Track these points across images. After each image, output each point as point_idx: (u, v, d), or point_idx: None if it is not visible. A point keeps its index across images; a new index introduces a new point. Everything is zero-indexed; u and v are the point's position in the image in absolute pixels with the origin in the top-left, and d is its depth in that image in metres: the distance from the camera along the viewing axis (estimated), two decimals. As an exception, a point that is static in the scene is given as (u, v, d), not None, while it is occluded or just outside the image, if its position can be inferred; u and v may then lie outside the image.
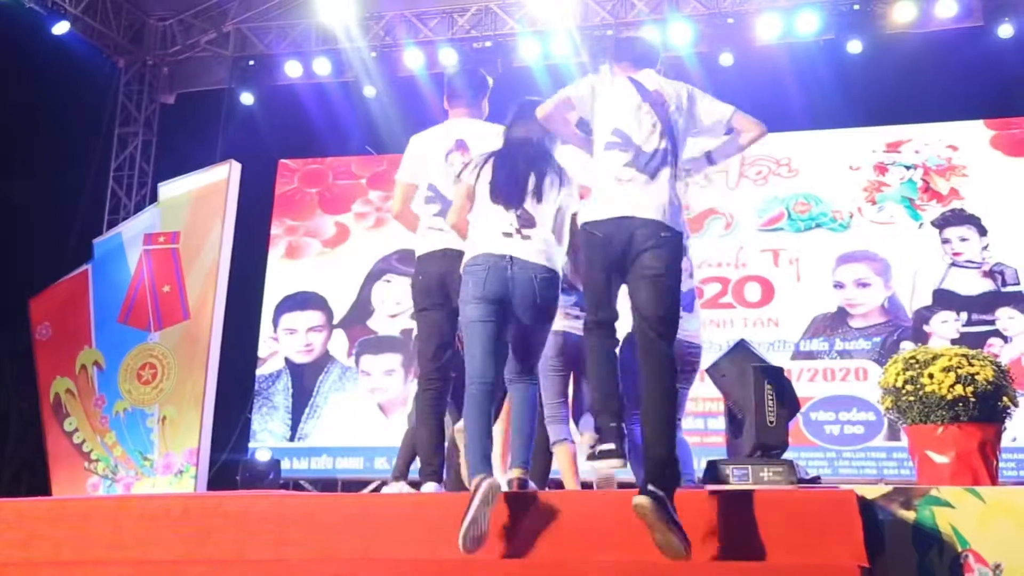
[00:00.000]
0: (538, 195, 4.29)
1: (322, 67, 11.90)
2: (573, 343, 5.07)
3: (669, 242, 3.95)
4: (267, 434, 11.21)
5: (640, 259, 3.93)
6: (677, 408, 4.12)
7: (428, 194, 4.77)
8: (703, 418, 9.61)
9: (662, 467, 3.63)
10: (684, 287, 4.24)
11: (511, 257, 4.18)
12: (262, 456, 10.39)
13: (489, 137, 4.67)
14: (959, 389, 4.30)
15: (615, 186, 4.00)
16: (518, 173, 4.31)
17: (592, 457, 3.91)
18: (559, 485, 5.35)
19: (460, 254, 4.38)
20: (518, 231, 4.22)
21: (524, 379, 4.34)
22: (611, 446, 3.83)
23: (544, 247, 4.26)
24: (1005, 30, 10.33)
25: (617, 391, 3.96)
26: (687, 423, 9.52)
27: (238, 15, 12.23)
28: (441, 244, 4.62)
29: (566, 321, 5.07)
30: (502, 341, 4.24)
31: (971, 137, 10.59)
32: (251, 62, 12.15)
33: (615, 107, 4.14)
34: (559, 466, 5.16)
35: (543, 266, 4.22)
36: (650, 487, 3.54)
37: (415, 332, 4.85)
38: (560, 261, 4.39)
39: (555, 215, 4.36)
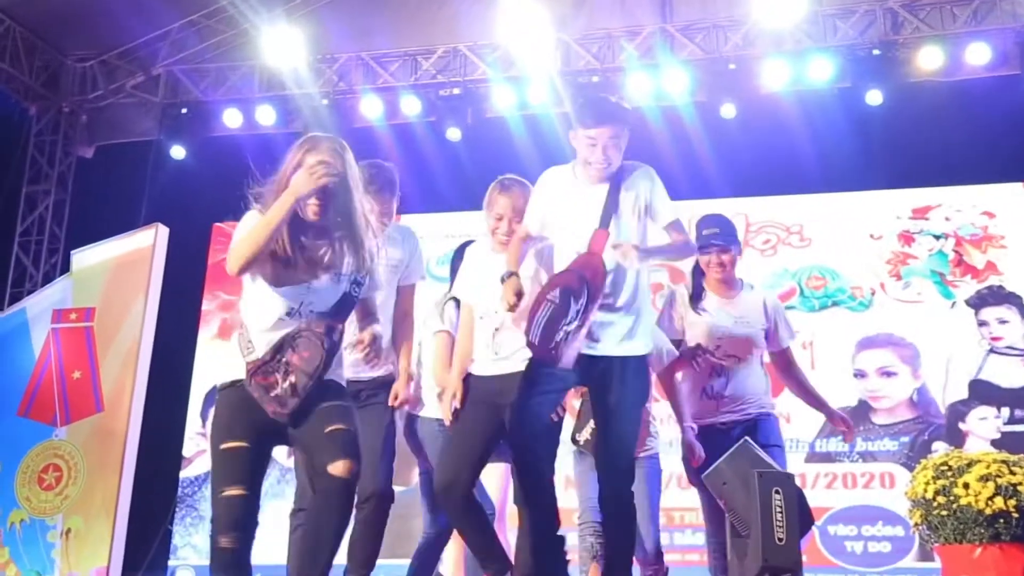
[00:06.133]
0: None
1: (266, 116, 11.90)
2: None
3: None
4: (190, 550, 10.98)
5: None
6: None
7: None
8: (703, 532, 9.45)
9: None
10: None
11: None
12: (184, 576, 10.22)
13: None
14: (999, 502, 4.26)
15: None
16: None
17: None
18: None
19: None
20: None
21: None
22: None
23: None
24: (1047, 79, 10.46)
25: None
26: (687, 538, 9.39)
27: (169, 56, 12.22)
28: None
29: None
30: None
31: (1010, 202, 10.63)
32: (184, 110, 12.12)
33: None
34: None
35: None
36: None
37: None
38: None
39: None
